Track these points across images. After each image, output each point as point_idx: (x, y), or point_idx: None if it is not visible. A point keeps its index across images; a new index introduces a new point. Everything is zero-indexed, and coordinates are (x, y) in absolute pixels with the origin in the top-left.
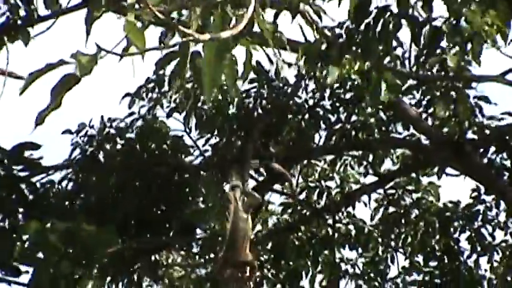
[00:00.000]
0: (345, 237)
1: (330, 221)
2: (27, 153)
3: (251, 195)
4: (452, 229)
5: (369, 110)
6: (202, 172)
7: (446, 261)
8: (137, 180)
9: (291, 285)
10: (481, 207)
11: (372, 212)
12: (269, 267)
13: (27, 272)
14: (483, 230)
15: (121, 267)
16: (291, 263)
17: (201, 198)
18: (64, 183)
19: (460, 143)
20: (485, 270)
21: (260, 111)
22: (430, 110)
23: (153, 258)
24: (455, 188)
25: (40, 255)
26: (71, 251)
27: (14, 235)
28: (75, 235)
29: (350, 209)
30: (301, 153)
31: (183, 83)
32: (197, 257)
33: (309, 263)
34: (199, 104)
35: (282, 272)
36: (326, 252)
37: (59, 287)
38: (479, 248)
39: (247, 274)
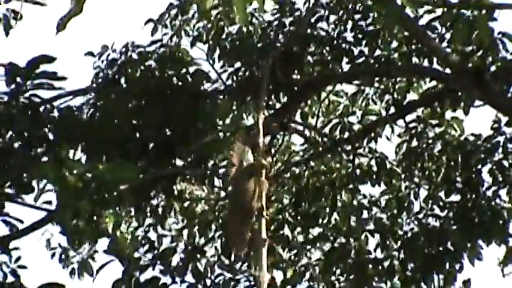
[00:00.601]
0: (367, 173)
1: (351, 157)
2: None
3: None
4: (473, 162)
5: (393, 44)
6: (220, 100)
7: (467, 194)
8: (157, 106)
9: (311, 228)
10: (501, 139)
11: (395, 148)
12: (290, 210)
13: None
14: (504, 162)
15: (141, 198)
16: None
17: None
18: (84, 110)
19: (481, 71)
20: (504, 202)
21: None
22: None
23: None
24: (475, 120)
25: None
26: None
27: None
28: (94, 174)
29: (372, 144)
30: (323, 80)
31: (207, 10)
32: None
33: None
34: (223, 36)
35: (302, 215)
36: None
37: (80, 221)
38: (500, 179)
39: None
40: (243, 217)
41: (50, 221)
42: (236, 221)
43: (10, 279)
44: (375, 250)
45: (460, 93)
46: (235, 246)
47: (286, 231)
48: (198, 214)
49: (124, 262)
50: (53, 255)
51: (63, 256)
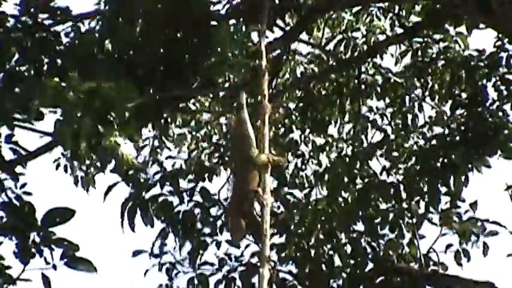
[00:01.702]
0: (372, 87)
1: (356, 72)
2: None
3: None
4: (477, 77)
5: None
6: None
7: (472, 109)
8: (164, 28)
9: (319, 132)
10: (504, 55)
11: (397, 57)
12: (297, 114)
13: None
14: (509, 77)
15: (147, 116)
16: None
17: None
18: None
19: None
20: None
21: None
22: None
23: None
24: (478, 40)
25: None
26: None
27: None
28: (96, 92)
29: (377, 60)
30: (328, 5)
31: None
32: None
33: (337, 112)
34: None
35: (310, 120)
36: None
37: (81, 142)
38: (505, 93)
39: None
40: (240, 207)
41: (55, 146)
42: (234, 212)
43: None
44: (381, 173)
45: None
46: (234, 233)
47: (296, 135)
48: (203, 123)
49: (129, 182)
50: (58, 166)
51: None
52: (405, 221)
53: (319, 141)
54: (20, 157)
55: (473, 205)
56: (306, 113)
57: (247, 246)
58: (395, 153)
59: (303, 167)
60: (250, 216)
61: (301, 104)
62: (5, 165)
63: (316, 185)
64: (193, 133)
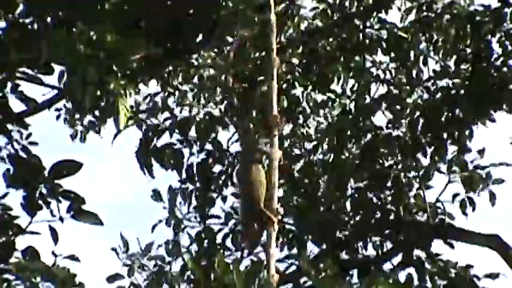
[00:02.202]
0: (377, 42)
1: (361, 27)
2: None
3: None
4: (482, 32)
5: None
6: None
7: (477, 64)
8: None
9: (322, 88)
10: (508, 11)
11: (402, 13)
12: (300, 70)
13: None
14: None
15: (151, 70)
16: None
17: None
18: None
19: None
20: None
21: None
22: None
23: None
24: None
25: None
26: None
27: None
28: (102, 42)
29: (382, 15)
30: None
31: None
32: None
33: (340, 68)
34: None
35: (313, 76)
36: (357, 58)
37: (88, 92)
38: (510, 48)
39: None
40: (253, 217)
41: (62, 98)
42: (248, 222)
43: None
44: (386, 127)
45: None
46: (248, 244)
47: (298, 91)
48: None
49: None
50: (58, 116)
51: (68, 117)
52: (411, 174)
53: (322, 97)
54: (28, 107)
55: (481, 152)
56: (309, 69)
57: None
58: (398, 107)
59: (304, 123)
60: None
61: (304, 61)
62: (12, 116)
63: (319, 140)
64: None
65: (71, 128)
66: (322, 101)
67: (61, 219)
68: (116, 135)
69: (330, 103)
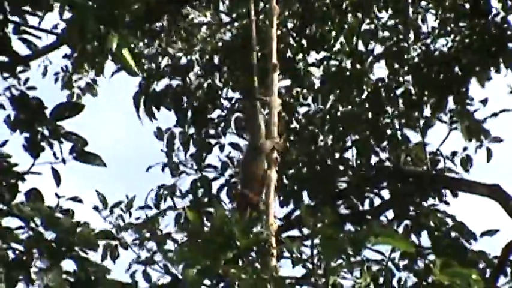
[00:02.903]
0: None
1: None
2: None
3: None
4: None
5: None
6: None
7: (476, 20)
8: None
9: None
10: None
11: None
12: (296, 32)
13: None
14: None
15: (148, 20)
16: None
17: None
18: None
19: None
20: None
21: None
22: None
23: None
24: None
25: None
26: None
27: None
28: None
29: None
30: None
31: None
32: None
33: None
34: None
35: (309, 37)
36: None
37: (88, 42)
38: (510, 3)
39: None
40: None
41: (61, 45)
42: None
43: None
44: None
45: None
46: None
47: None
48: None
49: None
50: (56, 80)
51: (65, 80)
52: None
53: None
54: (32, 52)
55: (484, 102)
56: (304, 30)
57: None
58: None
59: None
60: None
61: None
62: (19, 57)
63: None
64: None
65: (68, 90)
66: (316, 60)
67: (63, 160)
68: (116, 72)
69: (326, 62)
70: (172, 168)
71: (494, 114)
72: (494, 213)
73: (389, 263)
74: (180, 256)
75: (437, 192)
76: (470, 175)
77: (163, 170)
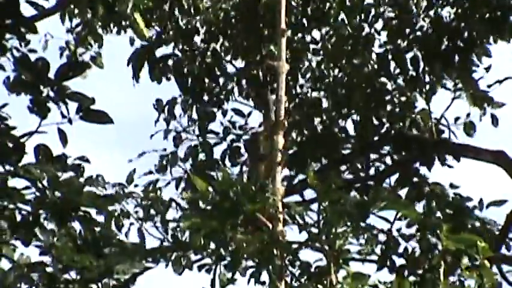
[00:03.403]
0: None
1: None
2: None
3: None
4: None
5: None
6: None
7: None
8: None
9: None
10: None
11: None
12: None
13: None
14: None
15: None
16: None
17: None
18: None
19: None
20: None
21: None
22: None
23: None
24: None
25: None
26: None
27: None
28: None
29: None
30: None
31: None
32: None
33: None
34: None
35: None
36: None
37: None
38: None
39: None
40: None
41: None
42: None
43: None
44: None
45: None
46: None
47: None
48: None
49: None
50: (61, 54)
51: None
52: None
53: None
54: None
55: (488, 69)
56: (306, 7)
57: (249, 113)
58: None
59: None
60: None
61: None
62: (24, 19)
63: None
64: None
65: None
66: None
67: (70, 120)
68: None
69: (327, 37)
70: (174, 136)
71: (499, 82)
72: (499, 180)
73: (395, 232)
74: (187, 221)
75: (441, 157)
76: (474, 142)
77: (165, 138)
